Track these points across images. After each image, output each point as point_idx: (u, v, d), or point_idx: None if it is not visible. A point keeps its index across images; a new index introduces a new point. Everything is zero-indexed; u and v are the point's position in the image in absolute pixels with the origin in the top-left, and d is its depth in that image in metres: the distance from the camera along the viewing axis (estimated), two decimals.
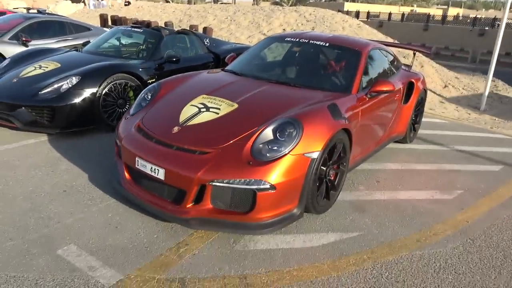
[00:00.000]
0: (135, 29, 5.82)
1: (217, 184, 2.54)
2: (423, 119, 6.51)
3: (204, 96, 3.25)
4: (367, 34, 12.42)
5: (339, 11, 28.97)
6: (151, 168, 2.73)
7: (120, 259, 2.43)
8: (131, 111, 3.38)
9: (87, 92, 4.36)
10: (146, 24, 10.02)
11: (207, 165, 2.58)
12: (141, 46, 5.63)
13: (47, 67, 4.71)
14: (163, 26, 10.49)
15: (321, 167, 2.96)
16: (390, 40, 12.44)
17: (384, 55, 4.45)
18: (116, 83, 4.60)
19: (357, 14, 30.68)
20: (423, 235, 2.97)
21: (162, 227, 2.80)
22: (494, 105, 9.11)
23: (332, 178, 3.23)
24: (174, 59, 5.23)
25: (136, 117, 3.22)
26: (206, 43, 6.29)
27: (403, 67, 5.02)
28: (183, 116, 3.00)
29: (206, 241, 2.69)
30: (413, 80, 4.68)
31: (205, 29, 9.52)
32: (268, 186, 2.53)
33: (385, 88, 3.53)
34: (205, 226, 2.65)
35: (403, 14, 27.79)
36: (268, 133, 2.71)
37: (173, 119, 2.99)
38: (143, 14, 15.96)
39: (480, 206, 3.54)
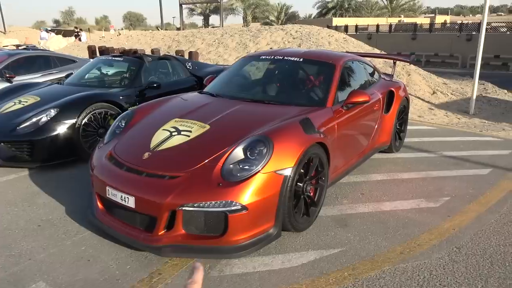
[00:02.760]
0: (116, 58, 5.86)
1: (187, 208, 2.47)
2: (411, 127, 6.50)
3: (177, 119, 3.22)
4: (353, 47, 12.52)
5: (328, 26, 29.38)
6: (121, 196, 2.67)
7: None
8: (105, 139, 3.35)
9: (66, 124, 4.34)
10: (133, 52, 10.16)
11: (176, 189, 2.52)
12: (122, 75, 5.65)
13: (26, 102, 4.71)
14: (150, 53, 10.61)
15: (298, 183, 2.91)
16: (377, 51, 12.55)
17: (361, 66, 4.44)
18: (95, 113, 4.58)
19: (345, 28, 31.06)
20: (407, 246, 2.88)
21: (135, 257, 2.71)
22: (483, 108, 9.08)
23: (311, 194, 3.16)
24: (154, 85, 5.23)
25: (109, 145, 3.18)
26: (188, 67, 6.32)
27: (383, 76, 5.01)
28: (154, 141, 2.96)
29: (180, 268, 2.60)
30: (393, 89, 4.66)
31: (190, 53, 9.61)
32: (239, 207, 2.46)
33: (360, 99, 3.50)
34: (178, 253, 2.56)
35: (390, 25, 28.12)
36: (238, 152, 2.66)
37: (144, 145, 2.95)
38: (133, 43, 16.18)
39: (468, 212, 3.45)
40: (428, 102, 9.06)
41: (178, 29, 23.09)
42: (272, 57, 4.09)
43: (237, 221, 2.49)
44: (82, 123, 4.45)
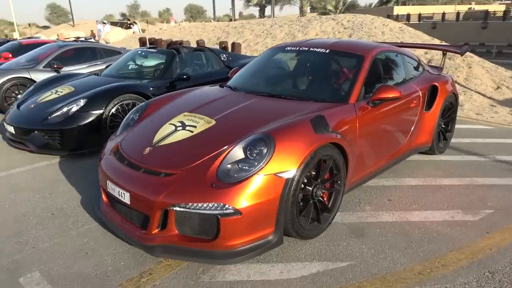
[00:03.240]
0: (150, 50, 5.90)
1: (178, 209, 2.34)
2: (464, 126, 5.87)
3: (186, 113, 3.09)
4: (410, 37, 11.64)
5: (388, 16, 27.94)
6: (118, 191, 2.61)
7: None
8: (118, 131, 3.32)
9: (94, 114, 4.43)
10: (178, 44, 10.28)
11: (169, 188, 2.40)
12: (155, 66, 5.67)
13: (62, 92, 4.88)
14: (195, 45, 10.68)
15: (306, 186, 2.66)
16: (437, 41, 11.57)
17: (399, 58, 4.00)
18: (123, 104, 4.63)
19: (407, 17, 29.26)
20: (428, 266, 2.51)
21: (132, 254, 2.64)
22: None
23: (325, 198, 2.89)
24: (184, 77, 5.18)
25: (119, 138, 3.14)
26: (223, 59, 6.20)
27: (429, 70, 4.51)
28: (158, 136, 2.86)
29: (172, 270, 2.48)
30: (436, 84, 4.16)
31: (233, 44, 9.50)
32: (232, 210, 2.27)
33: (389, 95, 3.13)
34: (170, 254, 2.44)
35: (458, 13, 25.92)
36: (238, 151, 2.47)
37: (148, 140, 2.86)
38: (185, 35, 16.47)
39: None
40: (490, 98, 8.14)
41: (230, 20, 23.18)
42: (298, 48, 3.81)
43: (230, 225, 2.31)
44: (110, 114, 4.51)
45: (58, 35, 24.40)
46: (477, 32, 23.07)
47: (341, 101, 3.12)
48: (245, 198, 2.30)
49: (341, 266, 2.51)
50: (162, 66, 5.49)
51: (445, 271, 2.45)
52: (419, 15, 28.33)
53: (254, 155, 2.41)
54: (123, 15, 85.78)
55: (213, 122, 2.87)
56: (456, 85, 8.42)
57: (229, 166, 2.42)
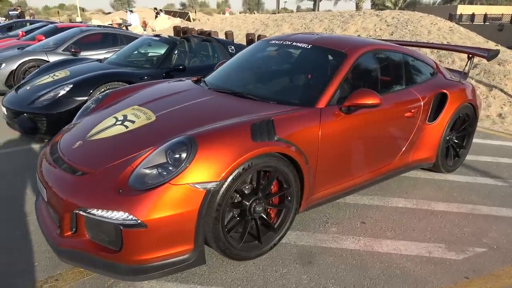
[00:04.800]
0: (154, 38, 5.74)
1: (82, 213, 2.10)
2: (489, 142, 5.12)
3: (135, 107, 2.85)
4: (459, 38, 10.56)
5: (450, 15, 26.01)
6: (39, 186, 2.43)
7: None
8: (73, 120, 3.16)
9: (78, 101, 4.34)
10: (207, 34, 10.14)
11: (78, 189, 2.17)
12: (157, 55, 5.51)
13: (57, 76, 4.86)
14: (224, 36, 10.47)
15: (243, 201, 2.32)
16: (491, 45, 10.39)
17: (399, 59, 3.46)
18: None
19: (472, 17, 27.02)
20: None
21: (53, 254, 2.46)
22: None
23: (272, 215, 2.52)
24: (180, 67, 4.95)
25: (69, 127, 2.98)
26: (231, 51, 5.91)
27: (446, 74, 3.90)
28: (95, 129, 2.64)
29: (81, 278, 2.26)
30: (446, 92, 3.56)
31: (259, 37, 9.15)
32: (134, 222, 1.99)
33: (366, 101, 2.66)
34: (74, 262, 2.21)
35: None
36: (158, 154, 2.17)
37: (83, 133, 2.65)
38: (225, 26, 16.34)
39: (500, 277, 2.40)
40: None
41: (274, 12, 22.74)
42: (281, 42, 3.41)
43: (134, 238, 2.03)
44: None
45: (112, 21, 25.47)
46: None
47: (307, 105, 2.70)
48: (153, 209, 2.00)
49: None
50: (161, 55, 5.30)
51: None
52: (485, 15, 26.02)
53: (173, 160, 2.10)
54: (182, 4, 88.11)
55: (153, 118, 2.59)
56: (503, 95, 7.48)
57: (146, 170, 2.13)
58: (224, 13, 39.75)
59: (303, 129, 2.52)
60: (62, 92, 4.35)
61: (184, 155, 2.09)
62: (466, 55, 4.71)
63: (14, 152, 4.25)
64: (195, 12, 38.90)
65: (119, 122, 2.63)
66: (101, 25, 10.59)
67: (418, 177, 3.84)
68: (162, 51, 5.57)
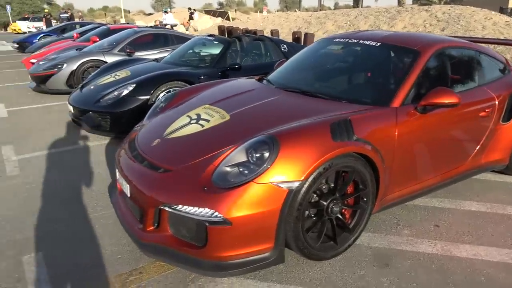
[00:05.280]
0: (209, 38, 5.83)
1: (168, 209, 2.17)
2: None
3: (206, 106, 2.91)
4: None
5: (501, 8, 24.65)
6: (122, 182, 2.54)
7: (66, 279, 2.28)
8: (144, 119, 3.27)
9: (141, 99, 4.49)
10: (253, 33, 10.19)
11: (162, 185, 2.24)
12: (211, 54, 5.60)
13: (119, 76, 5.06)
14: (269, 34, 10.47)
15: (321, 201, 2.31)
16: None
17: (472, 56, 3.31)
18: (170, 91, 4.62)
19: None
20: None
21: (133, 248, 2.56)
22: None
23: (347, 216, 2.49)
24: (236, 67, 5.01)
25: (141, 126, 3.08)
26: (283, 49, 5.90)
27: None
28: (171, 128, 2.72)
29: (163, 272, 2.33)
30: None
31: (305, 35, 9.06)
32: (220, 219, 2.03)
33: (444, 101, 2.57)
34: (157, 256, 2.28)
35: None
36: (240, 153, 2.20)
37: (160, 131, 2.73)
38: (266, 24, 16.35)
39: None
40: None
41: (315, 10, 22.49)
42: (346, 40, 3.36)
43: (219, 235, 2.07)
44: (155, 100, 4.53)
45: (155, 21, 26.18)
46: None
47: (382, 104, 2.64)
48: (237, 207, 2.04)
49: None
50: (216, 54, 5.38)
51: None
52: None
53: (255, 159, 2.13)
54: (220, 4, 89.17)
55: (227, 117, 2.63)
56: None
57: (227, 169, 2.17)
58: (261, 12, 39.79)
59: (380, 129, 2.47)
60: (125, 92, 4.52)
61: (266, 154, 2.11)
62: None
63: (82, 149, 4.46)
64: (235, 11, 39.21)
65: (194, 121, 2.70)
66: (152, 26, 10.84)
67: (488, 179, 3.67)
68: (216, 50, 5.65)
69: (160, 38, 7.96)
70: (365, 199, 2.48)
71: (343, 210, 2.47)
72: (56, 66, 6.93)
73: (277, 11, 58.16)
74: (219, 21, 22.22)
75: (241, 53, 5.87)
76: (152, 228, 2.32)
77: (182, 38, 8.10)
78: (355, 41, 3.28)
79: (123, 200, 2.78)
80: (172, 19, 22.62)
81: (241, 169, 2.14)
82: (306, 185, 2.13)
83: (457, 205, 3.17)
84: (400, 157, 2.58)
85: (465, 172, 3.25)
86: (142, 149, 2.61)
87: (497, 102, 3.22)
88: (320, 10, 21.84)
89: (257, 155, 2.13)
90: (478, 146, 3.22)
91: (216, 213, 2.03)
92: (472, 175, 3.40)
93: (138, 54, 7.28)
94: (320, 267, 2.38)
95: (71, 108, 4.93)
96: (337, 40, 3.48)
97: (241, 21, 19.93)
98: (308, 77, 3.34)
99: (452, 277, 2.31)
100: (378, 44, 3.09)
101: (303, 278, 2.29)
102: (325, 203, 2.31)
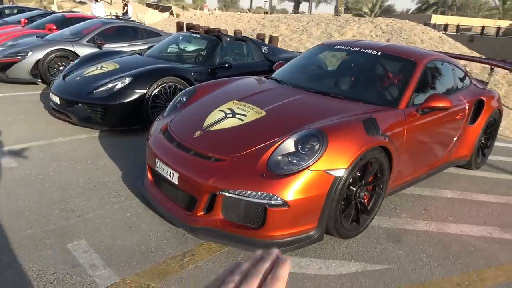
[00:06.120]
0: (194, 35, 5.96)
1: (227, 194, 2.39)
2: (501, 144, 5.73)
3: (235, 101, 3.14)
4: (449, 48, 11.40)
5: (425, 23, 27.29)
6: (167, 171, 2.68)
7: (122, 261, 2.39)
8: (165, 112, 3.39)
9: (137, 93, 4.52)
10: (216, 31, 10.32)
11: (220, 173, 2.45)
12: (198, 52, 5.74)
13: (107, 68, 4.99)
14: (233, 34, 10.70)
15: (350, 186, 2.68)
16: (476, 55, 11.29)
17: (450, 68, 3.94)
18: (165, 86, 4.71)
19: (445, 27, 28.60)
20: (466, 278, 2.51)
21: (174, 233, 2.72)
22: None
23: (365, 200, 2.90)
24: (226, 65, 5.22)
25: (167, 119, 3.22)
26: (264, 51, 6.22)
27: (476, 83, 4.43)
28: (208, 121, 2.92)
29: (214, 253, 2.54)
30: (483, 98, 4.09)
31: (271, 38, 9.49)
32: (280, 202, 2.31)
33: (439, 104, 3.10)
34: (212, 238, 2.51)
35: (498, 28, 25.20)
36: (289, 144, 2.50)
37: (198, 123, 2.92)
38: (220, 23, 16.53)
39: None
40: None
41: (266, 13, 23.10)
42: (348, 48, 3.79)
43: (276, 216, 2.35)
44: (152, 94, 4.59)
45: (109, 13, 24.49)
46: None
47: (391, 106, 3.11)
48: (294, 191, 2.33)
49: (379, 269, 2.52)
50: (204, 52, 5.54)
51: (483, 286, 2.44)
52: (458, 26, 27.64)
53: (306, 149, 2.44)
54: None
55: (263, 113, 2.90)
56: None
57: (279, 158, 2.45)
58: (202, 9, 39.49)
59: (395, 126, 2.92)
60: (121, 84, 4.51)
61: (317, 146, 2.43)
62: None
63: (74, 141, 4.36)
64: (172, 7, 38.34)
65: (230, 115, 2.92)
66: (119, 17, 10.33)
67: (452, 172, 4.35)
68: (199, 48, 5.80)
69: (129, 31, 7.81)
70: (381, 186, 2.92)
71: (363, 196, 2.88)
72: (19, 54, 6.51)
73: (216, 9, 58.03)
74: (166, 16, 21.82)
75: (221, 52, 6.05)
76: (202, 213, 2.53)
77: (151, 33, 8.05)
78: (357, 49, 3.72)
79: (156, 188, 2.92)
80: (102, 10, 20.54)
81: (290, 159, 2.44)
82: (347, 173, 2.49)
83: (436, 193, 3.77)
84: (406, 150, 3.06)
85: (441, 166, 3.86)
86: (184, 139, 2.78)
87: (467, 107, 3.87)
88: (271, 13, 22.48)
89: (308, 146, 2.44)
90: (453, 143, 3.85)
91: (276, 196, 2.31)
92: (444, 169, 4.04)
93: (108, 46, 7.11)
94: (347, 244, 2.76)
95: (55, 98, 4.77)
96: (338, 46, 3.90)
97: (192, 18, 19.84)
98: (319, 79, 3.72)
99: (450, 248, 2.84)
100: (379, 53, 3.57)
101: (337, 253, 2.65)
102: (354, 189, 2.70)
